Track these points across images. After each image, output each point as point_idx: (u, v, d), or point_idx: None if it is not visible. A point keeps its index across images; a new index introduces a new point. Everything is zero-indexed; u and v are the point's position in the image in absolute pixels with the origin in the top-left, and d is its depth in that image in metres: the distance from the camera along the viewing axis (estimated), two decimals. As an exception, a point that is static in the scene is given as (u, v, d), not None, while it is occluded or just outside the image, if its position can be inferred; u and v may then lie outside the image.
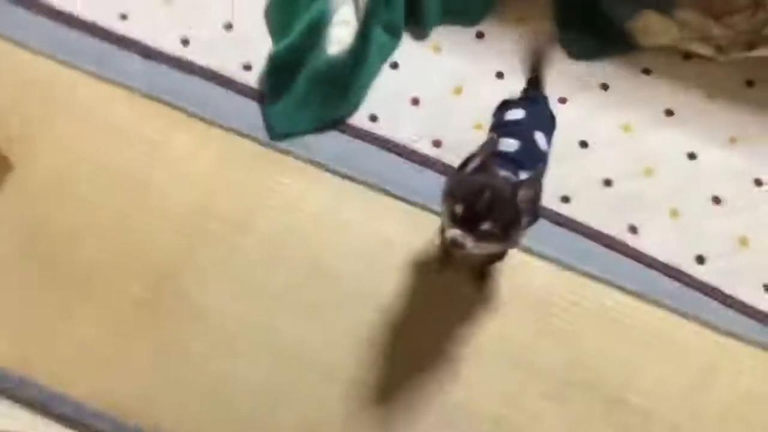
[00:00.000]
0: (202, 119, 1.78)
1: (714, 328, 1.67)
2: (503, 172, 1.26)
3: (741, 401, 1.62)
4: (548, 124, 1.48)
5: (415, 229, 1.69)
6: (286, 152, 1.76)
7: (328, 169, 1.75)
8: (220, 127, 1.77)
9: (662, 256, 1.72)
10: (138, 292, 1.61)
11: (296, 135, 1.76)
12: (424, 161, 1.77)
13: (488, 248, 1.30)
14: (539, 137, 1.40)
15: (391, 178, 1.74)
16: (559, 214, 1.74)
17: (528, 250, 1.69)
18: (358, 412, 1.53)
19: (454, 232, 1.20)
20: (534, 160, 1.37)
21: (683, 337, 1.66)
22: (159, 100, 1.78)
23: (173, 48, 1.84)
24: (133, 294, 1.61)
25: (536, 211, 1.35)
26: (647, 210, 1.76)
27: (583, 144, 1.81)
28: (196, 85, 1.80)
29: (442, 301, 1.65)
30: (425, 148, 1.78)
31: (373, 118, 1.80)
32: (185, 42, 1.84)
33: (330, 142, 1.78)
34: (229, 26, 1.87)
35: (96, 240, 1.66)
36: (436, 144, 1.79)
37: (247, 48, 1.84)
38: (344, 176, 1.74)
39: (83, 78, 1.80)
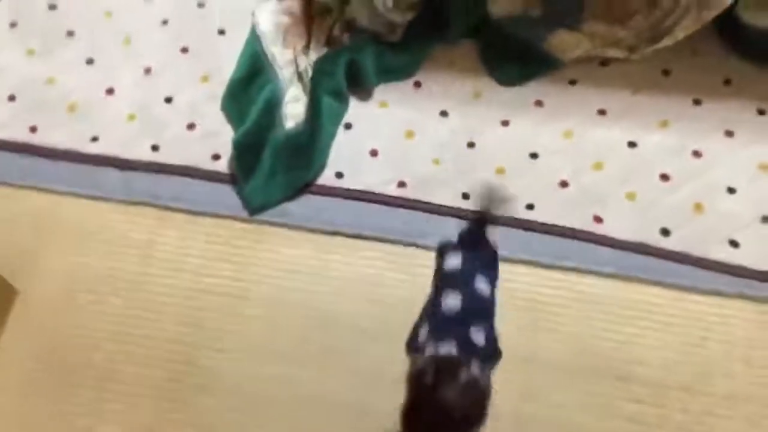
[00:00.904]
0: (184, 212, 1.90)
1: (694, 290, 1.78)
2: (467, 376, 1.22)
3: (740, 350, 1.71)
4: (491, 264, 1.45)
5: (398, 264, 1.82)
6: (267, 223, 1.88)
7: (307, 229, 1.88)
8: (202, 215, 1.90)
9: (630, 237, 1.85)
10: (159, 383, 1.69)
11: (272, 206, 1.89)
12: (392, 202, 1.91)
13: None
14: (480, 282, 1.37)
15: (365, 224, 1.88)
16: (527, 221, 1.87)
17: (508, 259, 1.81)
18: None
19: None
20: (480, 310, 1.35)
21: (668, 305, 1.78)
22: (141, 204, 1.91)
23: (145, 155, 1.98)
24: (154, 385, 1.68)
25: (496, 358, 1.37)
26: (606, 199, 1.90)
27: (534, 155, 1.97)
28: (172, 183, 1.94)
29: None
30: (392, 190, 1.92)
31: (339, 175, 1.95)
32: (155, 148, 1.99)
33: (304, 204, 1.91)
34: (192, 126, 2.03)
35: (109, 343, 1.74)
36: (401, 185, 1.93)
37: (213, 140, 2.00)
38: (323, 232, 1.87)
39: (66, 200, 1.92)
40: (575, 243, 1.85)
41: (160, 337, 1.74)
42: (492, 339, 1.34)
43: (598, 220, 1.87)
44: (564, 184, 1.93)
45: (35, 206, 1.92)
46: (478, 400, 1.21)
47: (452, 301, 1.34)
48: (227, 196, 1.92)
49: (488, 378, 1.28)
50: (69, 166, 1.97)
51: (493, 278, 1.41)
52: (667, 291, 1.79)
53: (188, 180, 1.95)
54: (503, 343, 1.67)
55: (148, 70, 2.12)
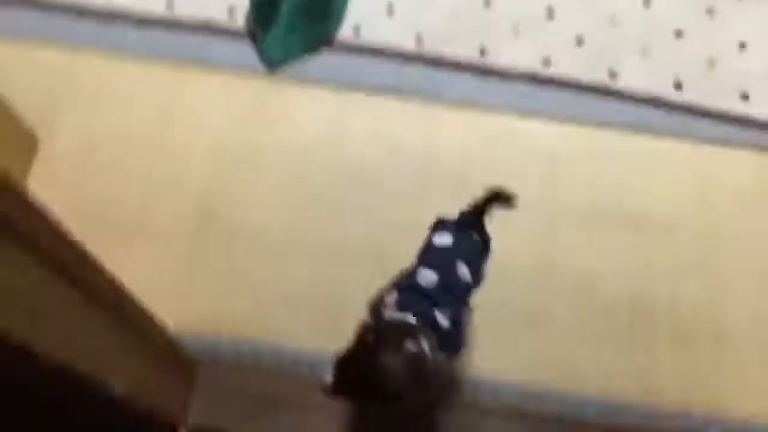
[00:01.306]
0: (202, 68, 1.89)
1: (706, 140, 1.84)
2: (413, 348, 1.14)
3: (747, 197, 1.79)
4: (477, 254, 1.38)
5: (416, 119, 1.86)
6: (287, 80, 1.89)
7: (326, 86, 1.89)
8: (221, 71, 1.89)
9: (644, 91, 1.88)
10: (186, 234, 1.73)
11: (291, 61, 1.89)
12: (410, 57, 1.92)
13: None
14: (461, 268, 1.31)
15: (384, 79, 1.89)
16: (544, 76, 1.90)
17: (527, 114, 1.85)
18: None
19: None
20: (452, 295, 1.29)
21: (682, 155, 1.84)
22: (158, 61, 1.90)
23: (159, 10, 1.95)
24: (182, 236, 1.72)
25: (458, 347, 1.32)
26: (621, 55, 1.93)
27: (550, 11, 1.98)
28: (190, 40, 1.92)
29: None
30: (409, 45, 1.93)
31: (357, 31, 1.94)
32: (170, 4, 1.96)
33: (323, 61, 1.92)
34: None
35: (132, 197, 1.76)
36: (418, 40, 1.94)
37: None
38: (343, 88, 1.88)
39: (83, 57, 1.91)
40: (590, 97, 1.89)
41: (184, 190, 1.77)
42: (458, 326, 1.28)
43: (613, 75, 1.90)
44: (580, 40, 1.95)
45: (53, 63, 1.90)
46: (418, 378, 1.12)
47: (429, 275, 1.28)
48: (246, 52, 1.92)
49: (442, 364, 1.23)
50: (86, 22, 1.94)
51: (476, 268, 1.35)
52: (679, 143, 1.84)
53: (205, 36, 1.93)
54: (525, 195, 1.75)
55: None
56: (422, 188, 1.78)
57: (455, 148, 1.84)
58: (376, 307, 1.29)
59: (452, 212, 1.40)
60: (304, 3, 1.89)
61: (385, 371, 1.09)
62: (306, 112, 1.87)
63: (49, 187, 1.72)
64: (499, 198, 1.40)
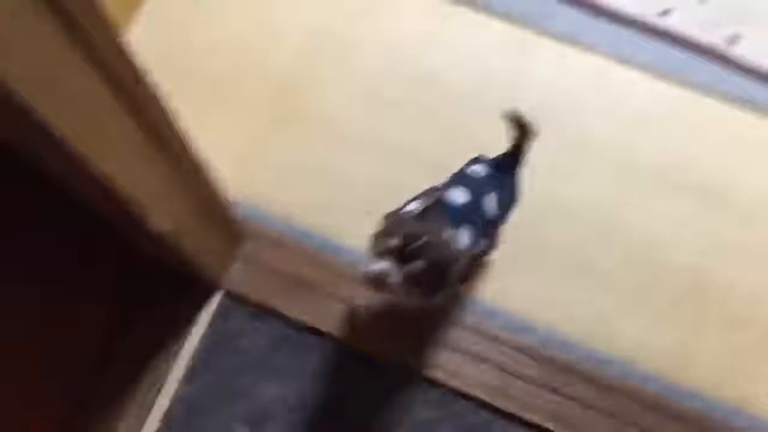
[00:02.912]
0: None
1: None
2: (446, 232, 1.19)
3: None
4: (507, 196, 1.36)
5: (513, 46, 1.80)
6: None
7: (504, 18, 1.83)
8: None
9: (761, 65, 1.76)
10: (265, 105, 1.75)
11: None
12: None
13: (405, 296, 1.20)
14: (489, 201, 1.30)
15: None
16: (659, 28, 1.80)
17: (628, 62, 1.77)
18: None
19: (381, 266, 1.11)
20: (476, 220, 1.27)
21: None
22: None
23: None
24: (260, 106, 1.75)
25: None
26: (746, 22, 1.79)
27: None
28: None
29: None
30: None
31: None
32: None
33: None
34: None
35: (228, 55, 1.80)
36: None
37: None
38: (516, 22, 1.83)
39: None
40: (700, 60, 1.78)
41: (275, 62, 1.79)
42: (476, 249, 1.28)
43: (732, 41, 1.78)
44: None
45: None
46: (438, 263, 1.15)
47: (458, 194, 1.27)
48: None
49: (457, 272, 1.22)
50: None
51: (504, 212, 1.34)
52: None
53: None
54: (602, 142, 1.70)
55: None
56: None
57: (545, 81, 1.78)
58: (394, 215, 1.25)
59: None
60: None
61: (412, 234, 1.12)
62: (409, 10, 1.84)
63: (144, 40, 1.78)
64: (522, 128, 1.34)
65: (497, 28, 1.81)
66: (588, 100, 1.75)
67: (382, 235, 1.16)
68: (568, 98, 1.76)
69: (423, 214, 1.17)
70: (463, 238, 1.24)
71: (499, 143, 1.38)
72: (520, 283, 1.59)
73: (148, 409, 1.46)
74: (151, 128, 0.94)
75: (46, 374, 1.35)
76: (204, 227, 1.30)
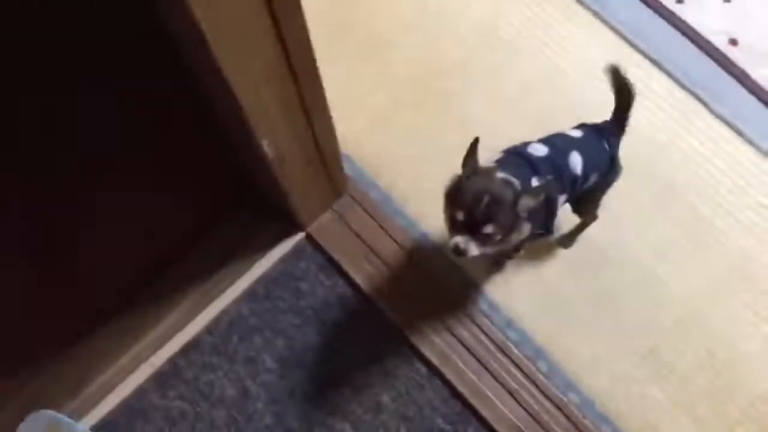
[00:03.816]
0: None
1: None
2: (503, 175, 1.20)
3: None
4: (598, 160, 1.33)
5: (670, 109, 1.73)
6: (581, 1, 1.82)
7: (611, 27, 1.80)
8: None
9: None
10: (415, 80, 1.78)
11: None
12: (712, 53, 1.77)
13: (492, 249, 1.25)
14: (575, 158, 1.29)
15: (671, 55, 1.76)
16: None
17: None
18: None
19: (457, 239, 1.19)
20: (558, 174, 1.27)
21: None
22: None
23: None
24: (411, 78, 1.78)
25: (547, 225, 1.32)
26: None
27: None
28: None
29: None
30: (720, 43, 1.76)
31: (680, 0, 1.81)
32: None
33: (627, 4, 1.82)
34: None
35: (391, 22, 1.84)
36: (732, 42, 1.76)
37: None
38: (624, 39, 1.79)
39: None
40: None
41: (431, 47, 1.81)
42: (551, 206, 1.28)
43: None
44: None
45: None
46: (510, 202, 1.16)
47: (540, 148, 1.29)
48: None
49: (518, 221, 1.21)
50: None
51: (591, 168, 1.31)
52: None
53: None
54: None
55: None
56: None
57: (690, 153, 1.70)
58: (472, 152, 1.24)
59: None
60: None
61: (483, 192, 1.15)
62: (578, 39, 1.80)
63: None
64: (623, 90, 1.33)
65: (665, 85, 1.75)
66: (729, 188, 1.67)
67: (448, 206, 1.21)
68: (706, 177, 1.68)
69: (479, 172, 1.19)
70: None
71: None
72: (579, 341, 1.54)
73: (200, 310, 1.55)
74: (289, 53, 0.97)
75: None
76: (310, 166, 1.35)
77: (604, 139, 1.34)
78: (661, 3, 1.81)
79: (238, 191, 1.61)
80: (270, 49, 0.91)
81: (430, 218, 1.63)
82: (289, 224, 1.60)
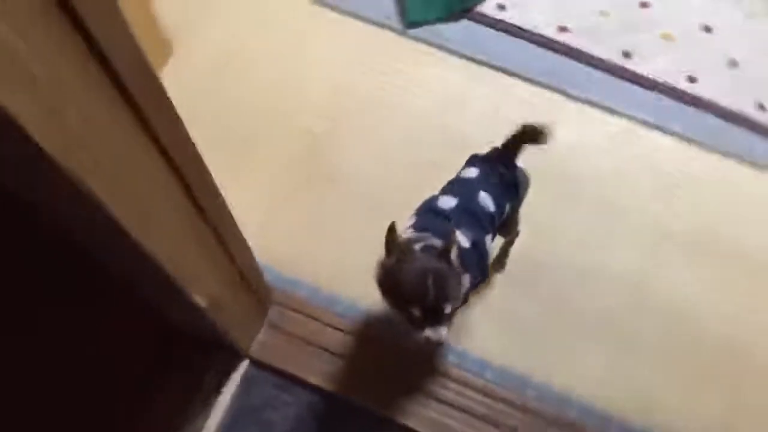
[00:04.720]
0: (341, 12, 1.89)
1: None
2: (423, 244, 1.18)
3: None
4: (504, 188, 1.34)
5: (539, 107, 1.79)
6: (420, 39, 1.86)
7: (458, 54, 1.85)
8: (356, 17, 1.88)
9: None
10: (288, 161, 1.73)
11: (428, 23, 1.86)
12: (550, 45, 1.86)
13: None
14: (484, 198, 1.30)
15: (517, 60, 1.84)
16: (687, 93, 1.80)
17: (653, 127, 1.77)
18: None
19: (427, 333, 1.14)
20: (474, 218, 1.28)
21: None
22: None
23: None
24: (284, 163, 1.73)
25: (483, 269, 1.31)
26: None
27: (707, 29, 1.87)
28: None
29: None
30: (552, 33, 1.86)
31: (502, 7, 1.89)
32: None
33: (461, 30, 1.88)
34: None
35: (248, 117, 1.78)
36: (562, 29, 1.87)
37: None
38: (474, 60, 1.84)
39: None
40: (728, 125, 1.77)
41: (297, 124, 1.77)
42: (479, 249, 1.26)
43: (761, 107, 1.78)
44: (733, 63, 1.83)
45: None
46: (442, 289, 1.13)
47: (448, 200, 1.29)
48: (385, 3, 1.90)
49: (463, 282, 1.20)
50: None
51: (501, 199, 1.32)
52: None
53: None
54: (633, 204, 1.68)
55: None
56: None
57: (571, 144, 1.76)
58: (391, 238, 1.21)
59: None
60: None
61: (410, 279, 1.12)
62: (432, 76, 1.84)
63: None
64: (528, 134, 1.34)
65: (522, 90, 1.82)
66: (617, 160, 1.74)
67: (395, 302, 1.17)
68: (597, 159, 1.74)
69: (405, 248, 1.16)
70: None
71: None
72: (553, 353, 1.54)
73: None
74: (197, 203, 0.91)
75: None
76: (239, 296, 1.27)
77: (499, 165, 1.35)
78: (493, 18, 1.89)
79: (164, 344, 1.48)
80: (186, 212, 0.84)
81: (364, 293, 1.57)
82: (230, 356, 1.49)
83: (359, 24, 1.88)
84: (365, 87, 1.81)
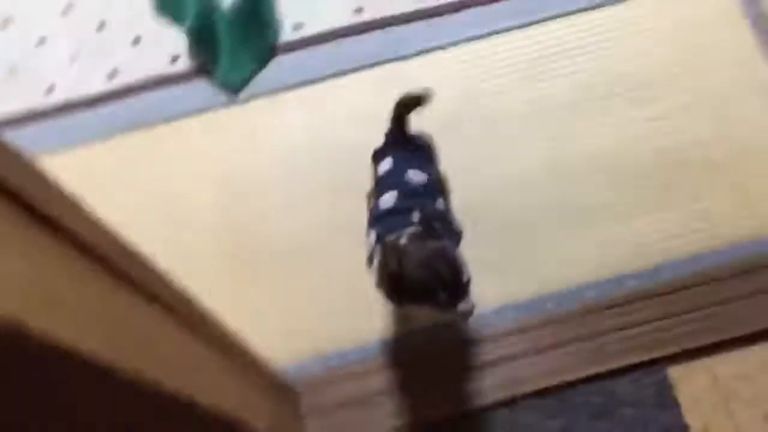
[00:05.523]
0: (174, 120, 1.88)
1: None
2: (408, 233, 1.23)
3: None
4: (424, 155, 1.42)
5: (385, 83, 1.84)
6: (250, 98, 1.88)
7: (292, 87, 1.89)
8: (191, 116, 1.87)
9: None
10: (214, 263, 1.70)
11: (249, 80, 1.89)
12: (358, 29, 1.94)
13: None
14: (412, 174, 1.35)
15: (342, 60, 1.89)
16: None
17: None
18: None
19: (461, 307, 1.18)
20: (419, 195, 1.33)
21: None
22: (126, 131, 1.87)
23: (102, 86, 1.93)
24: (210, 266, 1.70)
25: (457, 230, 1.37)
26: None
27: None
28: (145, 99, 1.91)
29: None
30: (352, 19, 1.94)
31: (298, 26, 1.95)
32: (112, 75, 1.94)
33: (279, 67, 1.92)
34: (136, 40, 1.98)
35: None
36: (358, 11, 1.96)
37: (164, 45, 1.96)
38: (308, 84, 1.88)
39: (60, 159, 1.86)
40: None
41: (207, 229, 1.75)
42: (440, 216, 1.33)
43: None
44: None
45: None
46: (448, 264, 1.17)
47: (388, 197, 1.33)
48: (203, 88, 1.90)
49: (453, 246, 1.27)
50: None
51: (425, 166, 1.38)
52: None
53: (163, 90, 1.91)
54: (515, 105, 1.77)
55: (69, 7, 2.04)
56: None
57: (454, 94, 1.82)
58: (371, 259, 1.29)
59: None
60: (237, 23, 1.89)
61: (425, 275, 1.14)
62: (282, 120, 1.86)
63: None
64: (408, 103, 1.40)
65: (361, 80, 1.88)
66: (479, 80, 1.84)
67: (420, 301, 1.19)
68: (465, 93, 1.83)
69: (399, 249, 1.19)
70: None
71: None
72: (542, 264, 1.62)
73: None
74: (219, 342, 0.90)
75: None
76: (283, 407, 1.25)
77: (401, 141, 1.41)
78: (299, 39, 1.94)
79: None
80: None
81: (363, 329, 1.59)
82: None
83: (195, 120, 1.87)
84: (237, 166, 1.82)
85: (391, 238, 1.23)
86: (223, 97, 1.88)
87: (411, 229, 1.22)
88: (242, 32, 1.89)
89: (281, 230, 1.73)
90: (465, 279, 1.18)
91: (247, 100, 1.89)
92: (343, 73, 1.88)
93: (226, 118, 1.87)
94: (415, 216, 1.26)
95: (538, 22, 1.88)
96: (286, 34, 1.94)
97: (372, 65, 1.89)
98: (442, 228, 1.26)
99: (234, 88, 1.88)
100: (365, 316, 1.59)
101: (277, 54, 1.93)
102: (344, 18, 1.94)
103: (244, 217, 1.76)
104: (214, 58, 1.89)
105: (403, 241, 1.20)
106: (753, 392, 1.46)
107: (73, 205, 0.63)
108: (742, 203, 1.62)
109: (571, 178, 1.69)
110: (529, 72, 1.83)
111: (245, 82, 1.89)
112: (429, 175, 1.37)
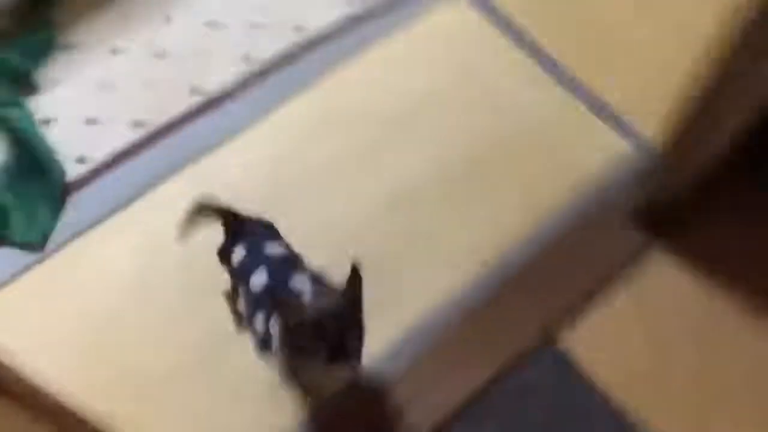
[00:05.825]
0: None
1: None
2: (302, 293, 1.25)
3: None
4: (270, 234, 1.41)
5: (195, 184, 1.83)
6: (58, 247, 1.76)
7: (97, 222, 1.80)
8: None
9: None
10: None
11: (51, 230, 1.77)
12: (142, 145, 1.91)
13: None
14: (271, 248, 1.35)
15: (138, 180, 1.86)
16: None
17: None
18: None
19: (342, 370, 1.21)
20: (289, 264, 1.33)
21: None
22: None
23: None
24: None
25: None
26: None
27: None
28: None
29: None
30: (131, 136, 1.91)
31: (81, 160, 1.88)
32: None
33: (76, 207, 1.83)
34: None
35: None
36: (137, 124, 1.93)
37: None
38: (110, 214, 1.81)
39: None
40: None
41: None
42: (320, 279, 1.33)
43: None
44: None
45: None
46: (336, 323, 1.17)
47: (258, 277, 1.31)
48: (4, 259, 1.75)
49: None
50: None
51: (278, 241, 1.39)
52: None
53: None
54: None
55: None
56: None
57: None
58: (265, 342, 1.30)
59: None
60: (17, 181, 1.79)
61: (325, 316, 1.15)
62: (106, 258, 1.77)
63: None
64: (204, 209, 1.47)
65: (172, 187, 1.85)
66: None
67: (302, 353, 1.18)
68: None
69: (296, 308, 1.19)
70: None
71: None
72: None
73: None
74: None
75: None
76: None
77: (240, 229, 1.40)
78: (85, 173, 1.86)
79: None
80: None
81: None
82: None
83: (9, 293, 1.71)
84: (80, 327, 1.69)
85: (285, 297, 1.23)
86: (30, 256, 1.75)
87: (307, 287, 1.23)
88: (26, 188, 1.78)
89: (150, 357, 1.65)
90: (352, 340, 1.18)
91: (57, 249, 1.77)
92: (144, 190, 1.84)
93: (44, 273, 1.74)
94: (299, 280, 1.27)
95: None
96: (72, 172, 1.85)
97: (170, 173, 1.86)
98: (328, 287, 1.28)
99: (38, 245, 1.75)
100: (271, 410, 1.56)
101: (70, 194, 1.83)
102: (125, 137, 1.89)
103: (110, 364, 1.65)
104: (3, 224, 1.74)
105: (305, 298, 1.21)
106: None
107: None
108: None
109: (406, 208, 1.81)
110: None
111: (46, 236, 1.76)
112: (285, 246, 1.38)
